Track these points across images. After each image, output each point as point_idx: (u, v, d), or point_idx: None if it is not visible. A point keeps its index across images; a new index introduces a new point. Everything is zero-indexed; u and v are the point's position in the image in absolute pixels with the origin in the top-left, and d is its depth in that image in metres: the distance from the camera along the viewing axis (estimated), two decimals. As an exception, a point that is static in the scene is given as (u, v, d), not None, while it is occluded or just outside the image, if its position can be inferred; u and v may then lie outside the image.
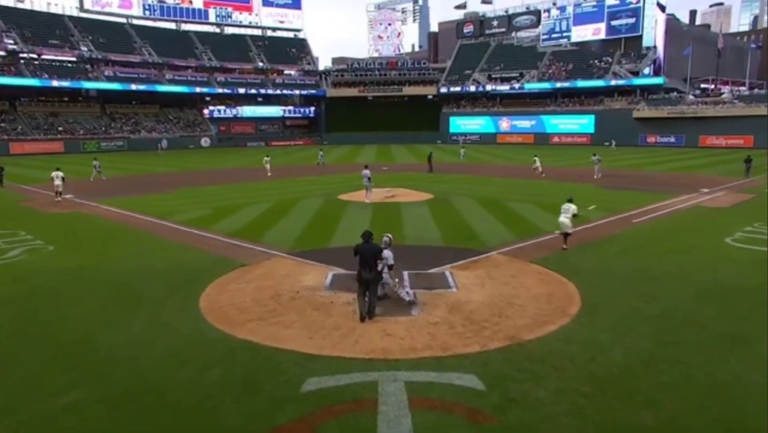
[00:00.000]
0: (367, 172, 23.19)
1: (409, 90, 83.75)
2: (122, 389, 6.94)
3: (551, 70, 76.81)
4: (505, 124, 76.86)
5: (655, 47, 71.34)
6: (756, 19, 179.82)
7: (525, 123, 75.23)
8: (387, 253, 9.56)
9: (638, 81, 69.07)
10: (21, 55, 65.66)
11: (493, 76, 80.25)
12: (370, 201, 22.14)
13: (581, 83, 72.09)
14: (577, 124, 70.97)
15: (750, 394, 6.71)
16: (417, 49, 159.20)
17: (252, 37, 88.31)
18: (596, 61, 74.36)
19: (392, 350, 7.92)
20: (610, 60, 72.86)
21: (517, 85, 76.98)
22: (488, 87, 79.40)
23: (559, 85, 73.84)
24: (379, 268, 9.11)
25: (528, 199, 22.66)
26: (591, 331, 8.64)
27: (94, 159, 34.41)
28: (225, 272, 12.05)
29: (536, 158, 34.18)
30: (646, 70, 70.13)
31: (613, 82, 70.16)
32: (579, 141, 69.30)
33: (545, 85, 75.18)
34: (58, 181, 23.75)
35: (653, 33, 71.70)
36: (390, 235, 10.30)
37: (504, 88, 78.15)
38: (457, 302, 9.98)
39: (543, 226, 17.09)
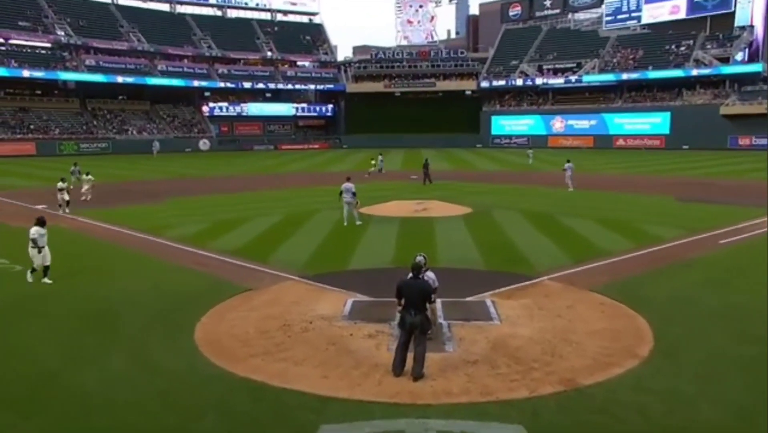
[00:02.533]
0: (349, 186, 20.89)
1: (443, 85, 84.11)
2: None
3: (616, 58, 76.29)
4: (558, 124, 76.49)
5: (751, 26, 68.71)
6: None
7: (583, 123, 74.75)
8: (430, 275, 9.59)
9: (728, 69, 67.21)
10: (-17, 39, 66.18)
11: (545, 67, 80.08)
12: (359, 221, 20.95)
13: (654, 74, 71.26)
14: (648, 123, 70.13)
15: None
16: (453, 36, 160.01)
17: (260, 21, 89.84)
18: (673, 46, 73.37)
19: (422, 394, 7.86)
20: (692, 44, 71.72)
21: (573, 78, 76.63)
22: (538, 80, 79.24)
23: (625, 76, 73.18)
24: (430, 312, 8.57)
25: (586, 214, 22.42)
26: (668, 377, 8.42)
27: (74, 164, 34.64)
28: (225, 298, 12.15)
29: (569, 164, 31.71)
30: (739, 56, 67.73)
31: (695, 72, 68.83)
32: (650, 144, 68.42)
33: (608, 77, 74.63)
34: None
35: (750, 8, 68.89)
36: (424, 254, 9.92)
37: (558, 81, 77.88)
38: (501, 336, 9.89)
39: (605, 246, 16.87)
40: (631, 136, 70.82)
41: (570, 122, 75.70)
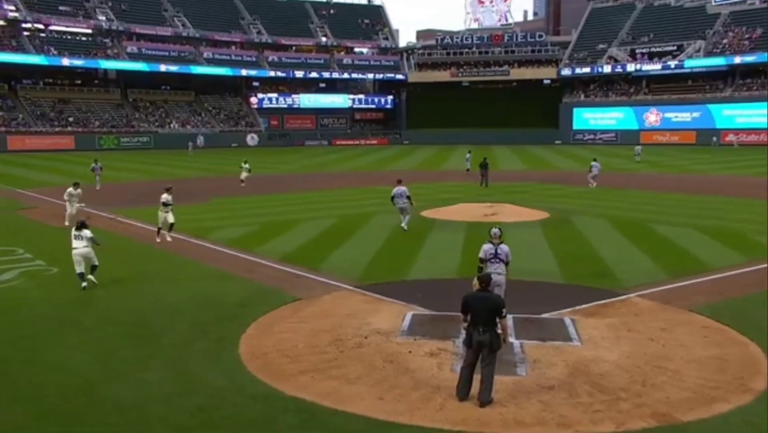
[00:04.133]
0: (402, 189, 20.61)
1: (518, 73, 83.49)
2: None
3: (727, 39, 73.65)
4: (653, 117, 74.54)
5: None
6: None
7: (683, 116, 72.58)
8: (504, 248, 11.47)
9: None
10: (24, 25, 69.22)
11: (639, 50, 78.21)
12: (407, 227, 20.62)
13: (774, 57, 68.19)
14: (764, 115, 67.19)
15: None
16: (531, 17, 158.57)
17: (314, 4, 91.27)
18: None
19: (491, 422, 7.79)
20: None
21: (673, 63, 74.50)
22: (630, 66, 77.50)
23: (738, 60, 70.54)
24: (501, 329, 8.44)
25: (685, 222, 21.82)
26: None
27: (94, 161, 35.25)
28: (273, 308, 12.37)
29: (596, 163, 34.10)
30: None
31: (827, 53, 65.54)
32: (764, 141, 65.62)
33: (717, 61, 72.18)
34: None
35: None
36: (499, 227, 12.06)
37: (654, 67, 75.95)
38: (582, 360, 9.70)
39: (709, 260, 16.32)
40: (743, 130, 68.07)
41: (667, 115, 73.63)
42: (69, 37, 73.00)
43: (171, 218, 18.79)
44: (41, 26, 70.98)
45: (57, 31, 72.36)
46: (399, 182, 20.97)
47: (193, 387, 8.93)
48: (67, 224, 20.76)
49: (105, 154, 59.69)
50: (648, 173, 42.34)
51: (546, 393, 8.56)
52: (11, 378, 9.33)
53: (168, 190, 19.22)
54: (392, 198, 20.56)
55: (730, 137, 68.07)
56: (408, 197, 20.39)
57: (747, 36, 72.37)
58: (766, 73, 69.85)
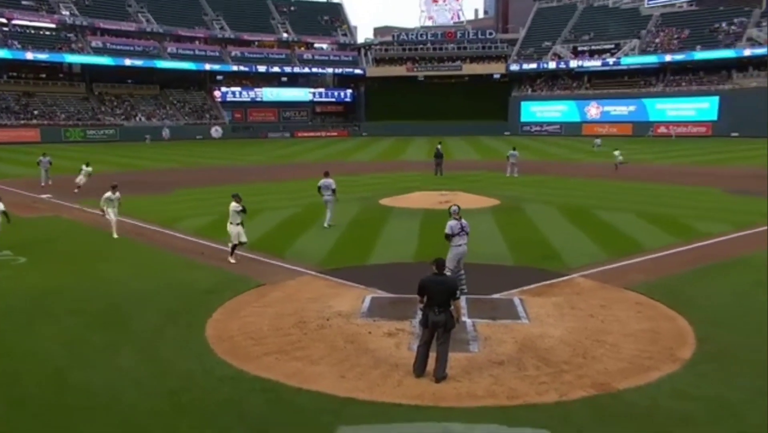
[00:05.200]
0: (329, 181, 19.56)
1: (470, 68, 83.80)
2: None
3: (659, 38, 75.20)
4: (593, 110, 75.78)
5: (814, 1, 67.74)
6: None
7: (621, 109, 74.02)
8: (465, 222, 12.21)
9: (786, 49, 65.97)
10: (-14, 19, 67.03)
11: (580, 48, 79.32)
12: (330, 224, 19.45)
13: (700, 55, 70.18)
14: (694, 109, 69.17)
15: None
16: (481, 15, 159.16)
17: (275, 1, 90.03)
18: (724, 24, 71.96)
19: (445, 396, 7.91)
20: (745, 21, 70.36)
21: (611, 60, 75.82)
22: (573, 63, 78.59)
23: (669, 58, 72.18)
24: (454, 310, 8.53)
25: (624, 207, 22.30)
26: (714, 384, 8.32)
27: (42, 154, 31.74)
28: (238, 294, 12.30)
29: (514, 152, 34.14)
30: None
31: (748, 52, 67.63)
32: (695, 132, 67.47)
33: (650, 59, 73.67)
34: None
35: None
36: (458, 205, 12.76)
37: (594, 63, 77.15)
38: (529, 337, 9.89)
39: (644, 242, 16.75)
40: (675, 122, 69.82)
41: (606, 108, 75.00)
42: (32, 31, 70.89)
43: (244, 237, 15.00)
44: (4, 20, 68.71)
45: (20, 26, 70.07)
46: (326, 174, 19.89)
47: (163, 371, 8.85)
48: (116, 236, 17.74)
49: (71, 147, 58.36)
50: (592, 162, 43.07)
51: (496, 368, 8.72)
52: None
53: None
54: (319, 189, 19.57)
55: (663, 129, 69.63)
56: (333, 190, 19.42)
57: (676, 36, 74.08)
58: (693, 70, 71.69)
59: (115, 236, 17.66)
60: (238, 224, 14.80)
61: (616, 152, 37.21)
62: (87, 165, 27.57)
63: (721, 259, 15.17)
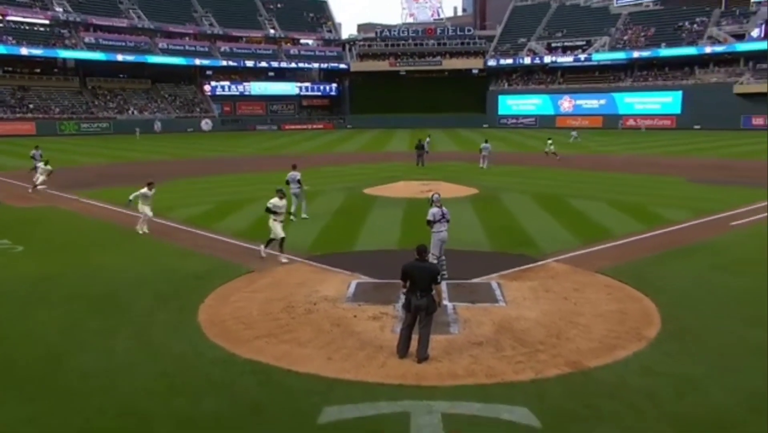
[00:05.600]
0: (295, 174, 18.72)
1: (450, 63, 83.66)
2: (98, 423, 6.93)
3: (627, 36, 75.56)
4: (566, 104, 76.08)
5: (768, 2, 68.58)
6: None
7: (592, 102, 74.37)
8: (446, 210, 12.25)
9: (743, 46, 66.68)
10: (-20, 16, 66.09)
11: (554, 45, 79.48)
12: (305, 216, 18.62)
13: (665, 52, 70.67)
14: (659, 103, 69.71)
15: None
16: (460, 13, 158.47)
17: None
18: (687, 23, 72.55)
19: (427, 376, 7.94)
20: (706, 21, 70.99)
21: (582, 56, 76.07)
22: (547, 59, 78.70)
23: (636, 54, 72.59)
24: (436, 294, 8.52)
25: (596, 196, 22.41)
26: (677, 361, 8.44)
27: (35, 147, 30.57)
28: (229, 280, 12.23)
29: (486, 145, 33.77)
30: (755, 33, 67.03)
31: (709, 50, 68.28)
32: (661, 124, 68.02)
33: (619, 55, 74.03)
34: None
35: (768, -18, 68.77)
36: (438, 193, 12.85)
37: (567, 59, 77.36)
38: (506, 319, 9.93)
39: (613, 228, 16.87)
40: (642, 115, 70.35)
41: (578, 102, 75.31)
42: (27, 27, 69.60)
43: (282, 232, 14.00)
44: None
45: (15, 22, 68.93)
46: (294, 167, 19.12)
47: (157, 354, 8.79)
48: (143, 231, 16.65)
49: (66, 139, 57.76)
50: (567, 153, 43.27)
51: (475, 349, 8.76)
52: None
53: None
54: (287, 182, 18.51)
55: (632, 122, 70.11)
56: (299, 181, 18.61)
57: (643, 34, 74.46)
58: (658, 66, 72.17)
59: (143, 231, 16.50)
60: (281, 221, 14.02)
61: (549, 141, 37.93)
62: (46, 163, 24.37)
63: (683, 244, 15.30)
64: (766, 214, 19.07)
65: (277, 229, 13.81)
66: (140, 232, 16.53)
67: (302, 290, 11.56)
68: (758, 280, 12.17)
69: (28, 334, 9.60)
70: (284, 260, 13.61)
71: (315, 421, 6.90)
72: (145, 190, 16.67)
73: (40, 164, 23.44)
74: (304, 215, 18.58)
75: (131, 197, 16.78)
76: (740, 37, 67.28)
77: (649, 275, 12.44)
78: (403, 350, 8.48)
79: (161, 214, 19.48)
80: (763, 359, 8.49)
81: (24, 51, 66.01)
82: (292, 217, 17.70)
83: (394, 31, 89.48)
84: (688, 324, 9.77)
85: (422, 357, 8.34)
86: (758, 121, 61.87)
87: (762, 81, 62.82)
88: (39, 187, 23.69)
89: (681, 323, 9.77)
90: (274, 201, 13.92)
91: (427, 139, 42.58)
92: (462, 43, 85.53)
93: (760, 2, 68.45)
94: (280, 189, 14.37)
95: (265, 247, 13.98)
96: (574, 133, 53.84)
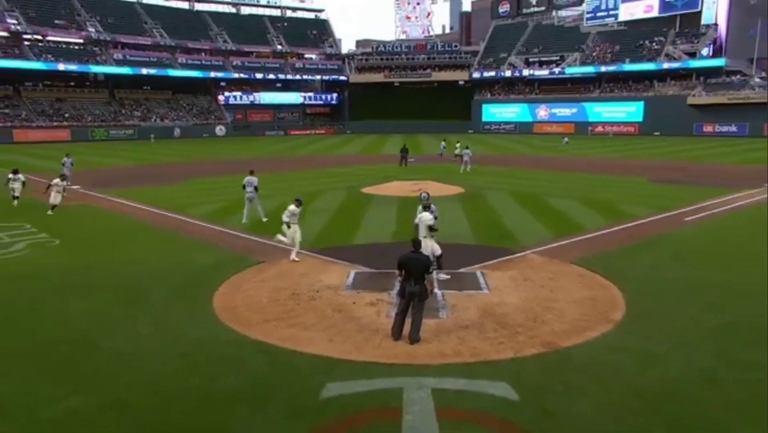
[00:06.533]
0: (252, 179, 17.62)
1: (438, 75, 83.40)
2: (127, 396, 6.98)
3: (595, 52, 75.51)
4: (543, 112, 75.99)
5: (715, 25, 69.08)
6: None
7: (565, 111, 74.27)
8: (434, 207, 11.79)
9: (695, 63, 67.34)
10: (25, 36, 66.61)
11: (531, 59, 79.32)
12: (264, 219, 17.54)
13: (629, 67, 70.70)
14: (624, 112, 69.73)
15: None
16: (448, 30, 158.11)
17: (270, 18, 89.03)
18: (647, 41, 72.72)
19: (418, 355, 7.93)
20: (663, 40, 71.20)
21: (557, 70, 75.98)
22: (525, 72, 78.56)
23: (603, 69, 72.57)
24: (428, 282, 8.51)
25: (569, 195, 22.38)
26: (639, 340, 8.47)
27: (66, 154, 28.36)
28: (240, 271, 12.18)
29: (467, 150, 31.99)
30: (705, 51, 68.07)
31: (666, 65, 68.56)
32: (626, 131, 68.11)
33: (588, 69, 73.98)
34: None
35: (714, 9, 69.34)
36: (427, 192, 12.78)
37: (543, 72, 77.22)
38: (489, 304, 9.93)
39: (585, 223, 16.89)
40: (609, 123, 70.43)
41: (553, 110, 75.22)
42: (64, 46, 69.75)
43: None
44: (39, 37, 68.19)
45: (53, 41, 69.21)
46: (251, 172, 18.01)
47: (177, 337, 8.77)
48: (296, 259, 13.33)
49: (97, 144, 57.62)
50: (548, 156, 43.31)
51: (462, 331, 8.76)
52: (26, 333, 9.00)
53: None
54: (243, 186, 17.60)
55: (600, 129, 70.17)
56: (255, 188, 17.49)
57: (609, 51, 74.43)
58: (623, 79, 72.28)
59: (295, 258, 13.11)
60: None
61: (458, 144, 37.84)
62: (63, 178, 20.04)
63: (646, 237, 15.35)
64: (716, 210, 19.15)
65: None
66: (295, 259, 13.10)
67: (306, 279, 11.53)
68: (709, 269, 12.25)
69: (63, 318, 9.58)
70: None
71: (318, 396, 6.91)
72: (292, 207, 13.22)
73: (57, 180, 19.19)
74: (264, 218, 17.44)
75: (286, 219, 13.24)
76: (692, 55, 67.81)
77: (616, 264, 12.46)
78: (397, 333, 8.47)
79: (177, 211, 19.48)
80: (714, 339, 8.54)
81: (61, 67, 66.37)
82: (244, 220, 17.26)
83: (389, 46, 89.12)
84: (649, 308, 9.80)
85: (414, 339, 8.32)
86: (708, 128, 62.49)
87: (711, 94, 63.32)
88: (55, 205, 19.05)
89: (643, 307, 9.80)
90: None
91: (443, 143, 42.53)
92: (449, 58, 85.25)
93: (708, 25, 68.92)
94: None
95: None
96: (565, 139, 53.52)
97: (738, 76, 65.71)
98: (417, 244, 8.91)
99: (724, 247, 14.36)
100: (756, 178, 26.54)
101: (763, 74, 67.30)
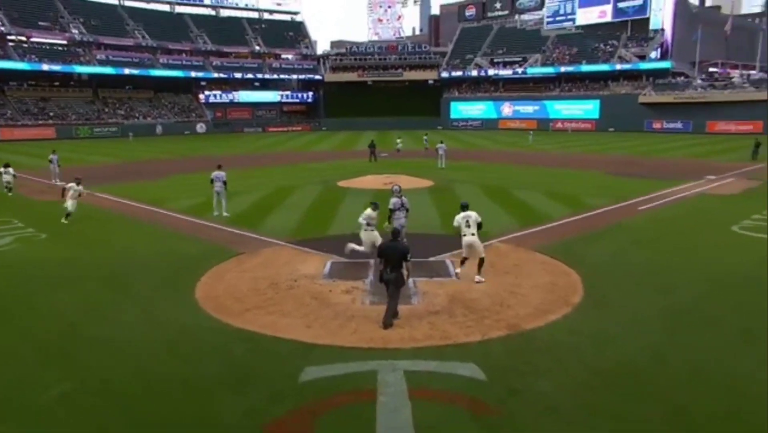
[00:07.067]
0: (220, 174, 17.03)
1: (409, 74, 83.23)
2: (115, 381, 6.90)
3: (555, 54, 76.26)
4: (507, 109, 76.51)
5: (662, 30, 70.60)
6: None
7: (528, 108, 74.89)
8: (405, 199, 11.94)
9: (645, 65, 68.60)
10: (9, 37, 64.72)
11: (496, 60, 79.72)
12: (226, 214, 17.01)
13: (586, 68, 71.62)
14: (581, 109, 70.64)
15: (757, 391, 6.51)
16: (417, 32, 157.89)
17: (248, 20, 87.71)
18: (601, 44, 73.81)
19: (391, 340, 7.92)
20: (616, 44, 72.32)
21: (519, 70, 76.51)
22: (490, 71, 78.95)
23: (563, 69, 73.36)
24: (405, 272, 8.39)
25: (535, 187, 22.54)
26: (596, 322, 8.60)
27: (52, 151, 27.01)
28: (222, 261, 12.01)
29: (442, 145, 31.04)
30: (653, 54, 69.56)
31: (619, 67, 69.68)
32: (583, 127, 69.05)
33: (549, 70, 74.70)
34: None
35: (661, 15, 70.98)
36: (399, 185, 12.68)
37: (506, 72, 77.68)
38: (459, 291, 9.95)
39: (547, 213, 17.06)
40: (568, 119, 71.30)
41: (517, 108, 75.77)
42: (48, 46, 67.67)
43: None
44: (24, 38, 66.15)
45: (37, 42, 67.10)
46: (219, 167, 17.40)
47: (162, 325, 8.65)
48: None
49: (82, 142, 56.16)
50: (508, 150, 43.64)
51: (433, 316, 8.77)
52: (16, 324, 8.83)
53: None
54: (211, 181, 17.16)
55: (560, 125, 71.05)
56: (224, 182, 17.01)
57: (568, 53, 75.26)
58: (580, 79, 73.27)
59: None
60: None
61: (398, 140, 38.46)
62: (78, 183, 16.78)
63: (603, 226, 15.57)
64: (666, 200, 19.57)
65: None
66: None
67: (285, 269, 11.42)
68: (661, 254, 12.51)
69: (52, 309, 9.39)
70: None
71: (297, 379, 6.86)
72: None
73: (72, 184, 16.56)
74: (225, 213, 16.97)
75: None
76: (642, 57, 69.13)
77: (576, 251, 12.61)
78: (385, 321, 8.43)
79: (160, 205, 19.08)
80: (665, 320, 8.72)
81: (45, 67, 64.55)
82: (215, 213, 17.04)
83: (362, 47, 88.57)
84: (606, 292, 9.96)
85: (387, 324, 8.30)
86: (657, 125, 63.76)
87: (660, 93, 64.72)
88: (69, 213, 16.35)
89: (600, 291, 9.95)
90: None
91: (425, 137, 42.45)
92: (419, 58, 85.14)
93: (656, 30, 70.50)
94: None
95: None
96: (531, 135, 53.75)
97: (682, 78, 67.48)
98: (396, 234, 8.92)
99: (673, 234, 14.68)
100: (698, 171, 27.16)
101: (704, 76, 69.69)
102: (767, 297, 9.42)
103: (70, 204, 16.21)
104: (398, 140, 42.93)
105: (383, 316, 8.39)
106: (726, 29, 68.71)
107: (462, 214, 10.84)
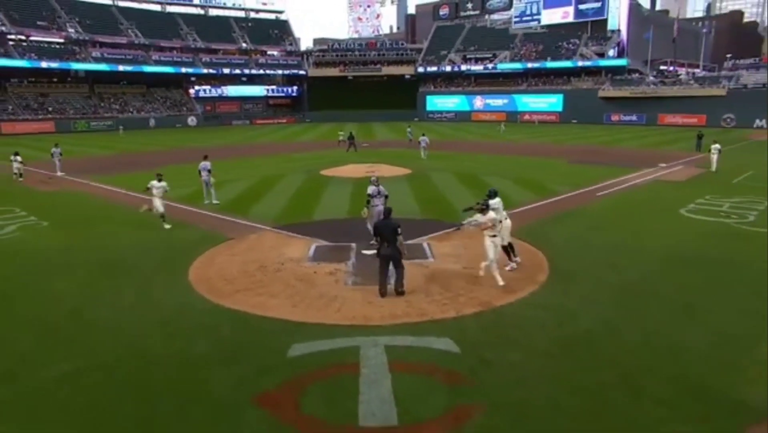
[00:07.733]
0: (206, 164, 16.79)
1: (387, 70, 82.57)
2: (112, 360, 6.82)
3: (522, 51, 76.37)
4: (479, 102, 76.54)
5: (619, 30, 71.54)
6: (709, 5, 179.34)
7: (498, 101, 74.98)
8: (382, 188, 11.79)
9: (603, 62, 69.26)
10: (9, 36, 63.02)
11: (468, 56, 79.51)
12: (216, 201, 16.73)
13: (550, 64, 71.90)
14: (547, 102, 71.00)
15: (698, 357, 6.82)
16: (395, 30, 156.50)
17: (236, 18, 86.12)
18: (564, 43, 74.23)
19: (373, 317, 7.92)
20: (578, 42, 72.78)
21: (490, 66, 76.48)
22: (463, 67, 78.74)
23: (529, 65, 73.53)
24: (399, 246, 8.75)
25: (505, 175, 22.57)
26: (558, 298, 8.72)
27: (55, 144, 26.25)
28: (212, 246, 11.85)
29: (424, 137, 30.38)
30: (611, 52, 70.43)
31: (581, 63, 70.21)
32: (549, 119, 69.51)
33: (517, 66, 74.79)
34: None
35: (617, 17, 71.98)
36: (376, 176, 12.54)
37: (478, 68, 77.61)
38: (435, 271, 9.99)
39: (516, 198, 17.13)
40: (535, 112, 71.67)
41: (488, 101, 75.81)
42: (46, 45, 65.80)
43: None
44: (23, 37, 64.35)
45: (36, 41, 65.29)
46: (205, 158, 17.08)
47: (157, 306, 8.54)
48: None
49: (79, 135, 54.91)
50: (480, 141, 43.74)
51: (410, 295, 8.79)
52: (19, 309, 8.62)
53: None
54: (199, 172, 17.02)
55: (527, 117, 71.45)
56: (209, 171, 16.74)
57: (534, 50, 75.39)
58: (546, 74, 73.60)
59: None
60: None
61: (409, 129, 38.48)
62: (160, 180, 14.47)
63: (566, 210, 15.72)
64: (622, 186, 19.84)
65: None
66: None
67: (272, 253, 11.33)
68: (618, 235, 12.69)
69: (54, 292, 9.22)
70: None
71: (285, 355, 6.85)
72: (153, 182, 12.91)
73: (154, 182, 14.27)
74: (215, 201, 16.78)
75: None
76: (601, 55, 69.86)
77: (541, 234, 12.72)
78: (383, 289, 8.63)
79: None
80: (619, 295, 8.90)
81: (44, 64, 62.83)
82: (206, 201, 16.86)
83: (343, 44, 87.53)
84: (568, 270, 10.08)
85: (399, 291, 8.60)
86: (615, 117, 64.46)
87: (617, 88, 65.53)
88: (159, 210, 14.09)
89: (563, 270, 10.08)
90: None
91: (408, 129, 41.27)
92: (397, 54, 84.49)
93: (613, 30, 71.25)
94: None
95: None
96: (502, 126, 53.73)
97: (637, 74, 68.41)
98: (388, 213, 9.20)
99: (627, 217, 14.90)
100: (652, 159, 27.58)
101: (655, 73, 70.65)
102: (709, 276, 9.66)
103: (159, 204, 13.83)
104: (408, 129, 42.19)
105: (395, 285, 8.70)
106: (674, 31, 69.71)
107: (497, 199, 10.23)
